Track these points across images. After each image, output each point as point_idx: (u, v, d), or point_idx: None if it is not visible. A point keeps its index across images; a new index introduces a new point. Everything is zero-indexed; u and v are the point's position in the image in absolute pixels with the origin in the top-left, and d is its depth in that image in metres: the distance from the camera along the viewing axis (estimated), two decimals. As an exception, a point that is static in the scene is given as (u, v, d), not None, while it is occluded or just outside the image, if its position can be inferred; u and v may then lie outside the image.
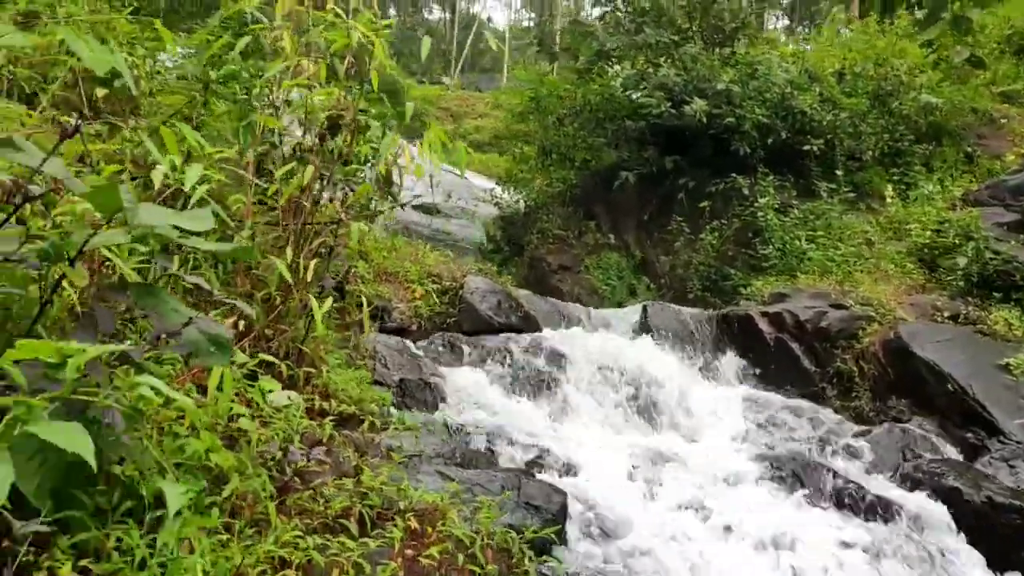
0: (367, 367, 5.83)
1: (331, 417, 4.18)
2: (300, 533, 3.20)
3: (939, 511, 5.56)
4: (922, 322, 8.41)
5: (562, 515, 4.27)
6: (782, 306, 9.07)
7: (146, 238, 3.12)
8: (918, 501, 5.70)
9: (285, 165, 5.02)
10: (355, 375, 4.99)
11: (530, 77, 15.80)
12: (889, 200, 11.55)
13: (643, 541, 4.44)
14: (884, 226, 11.11)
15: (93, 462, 1.55)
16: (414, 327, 7.47)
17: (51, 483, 2.02)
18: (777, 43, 17.55)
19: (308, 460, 3.47)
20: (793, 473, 5.87)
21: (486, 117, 30.12)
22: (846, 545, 4.98)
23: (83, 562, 2.49)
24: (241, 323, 4.26)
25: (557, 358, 7.32)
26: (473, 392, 6.45)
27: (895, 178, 12.21)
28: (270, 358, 3.97)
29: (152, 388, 2.22)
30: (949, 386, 7.38)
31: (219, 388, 3.28)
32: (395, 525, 3.48)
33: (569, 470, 5.24)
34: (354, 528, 3.38)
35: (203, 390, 3.47)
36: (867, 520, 5.43)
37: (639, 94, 13.25)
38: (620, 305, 12.13)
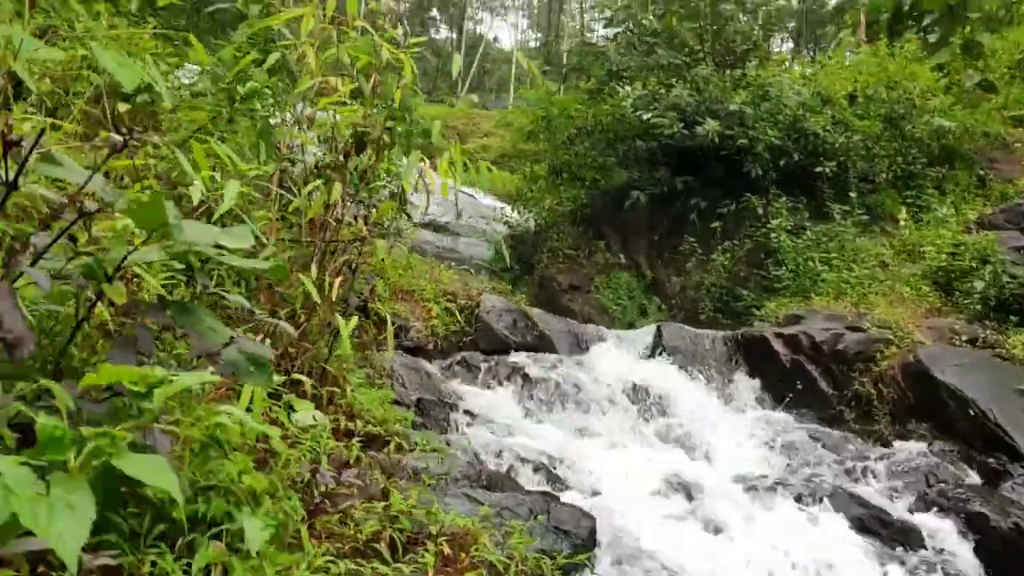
0: (385, 386, 5.77)
1: (357, 438, 4.12)
2: (332, 558, 3.13)
3: (965, 537, 5.49)
4: (940, 345, 8.34)
5: (591, 540, 4.20)
6: (798, 328, 9.00)
7: (181, 255, 3.07)
8: (944, 526, 5.62)
9: (308, 181, 4.99)
10: (378, 395, 4.93)
11: (539, 96, 15.80)
12: (903, 223, 11.51)
13: (673, 565, 4.36)
14: (898, 248, 11.06)
15: (181, 500, 1.49)
16: (430, 346, 7.41)
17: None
18: (786, 65, 17.58)
19: (339, 483, 3.40)
20: (818, 497, 5.79)
21: (492, 136, 30.15)
22: (875, 570, 4.91)
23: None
24: (266, 341, 4.20)
25: (575, 378, 7.25)
26: (492, 412, 6.38)
27: (908, 201, 12.18)
28: (302, 378, 3.91)
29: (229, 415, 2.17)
30: (971, 411, 7.30)
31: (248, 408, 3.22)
32: (426, 550, 3.41)
33: (593, 492, 5.17)
34: (386, 553, 3.30)
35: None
36: (893, 547, 5.36)
37: (650, 114, 13.24)
38: (631, 325, 12.08)
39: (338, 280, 4.67)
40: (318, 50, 5.08)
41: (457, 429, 5.92)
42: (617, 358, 8.19)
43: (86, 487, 1.30)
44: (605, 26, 15.93)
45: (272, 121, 5.53)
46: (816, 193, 12.31)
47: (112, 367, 1.54)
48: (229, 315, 4.18)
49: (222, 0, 7.85)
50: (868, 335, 8.53)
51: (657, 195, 13.35)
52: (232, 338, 2.57)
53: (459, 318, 7.77)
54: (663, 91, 13.54)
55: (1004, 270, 8.96)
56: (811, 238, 11.33)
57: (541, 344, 8.15)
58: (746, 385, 8.59)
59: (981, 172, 12.85)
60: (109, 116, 5.11)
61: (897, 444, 7.48)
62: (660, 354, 8.72)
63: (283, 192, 5.20)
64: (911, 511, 5.87)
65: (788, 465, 6.63)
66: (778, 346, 8.80)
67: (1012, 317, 8.64)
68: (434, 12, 48.62)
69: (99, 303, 2.92)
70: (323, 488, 3.56)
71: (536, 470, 5.34)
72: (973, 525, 5.66)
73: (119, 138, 2.04)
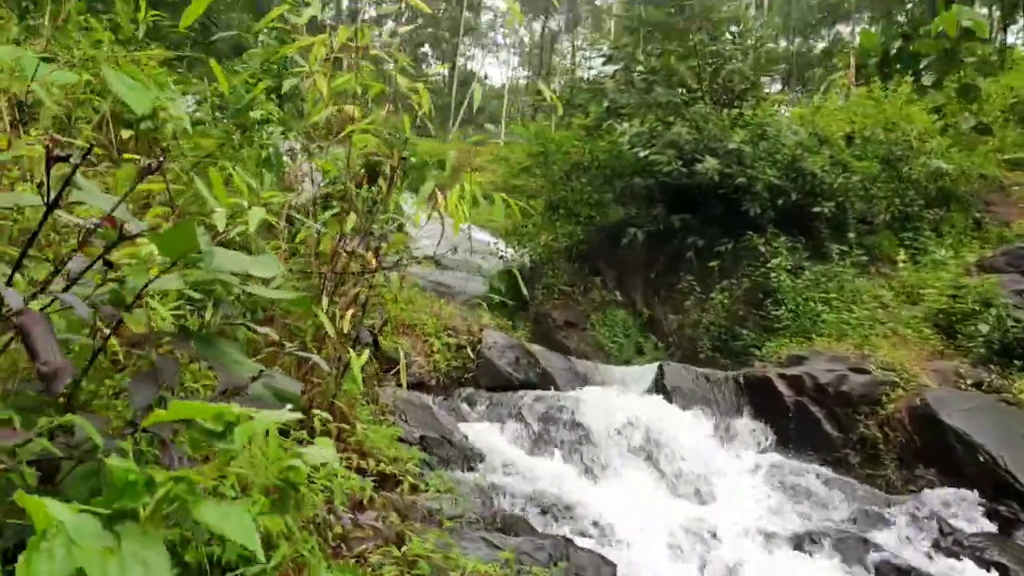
0: (389, 423, 5.61)
1: (370, 477, 3.95)
2: (351, 606, 2.96)
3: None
4: (946, 389, 8.26)
5: (612, 587, 4.04)
6: (801, 369, 8.90)
7: (203, 284, 2.93)
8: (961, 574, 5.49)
9: (313, 211, 4.87)
10: (387, 432, 4.76)
11: (534, 132, 15.75)
12: (901, 264, 11.48)
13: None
14: (897, 290, 11.02)
15: (262, 555, 1.34)
16: (432, 381, 7.25)
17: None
18: (778, 107, 17.68)
19: (358, 525, 3.23)
20: (831, 544, 5.65)
21: (484, 171, 30.13)
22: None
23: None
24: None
25: (578, 417, 7.10)
26: (497, 451, 6.22)
27: (906, 243, 12.16)
28: (316, 412, 3.75)
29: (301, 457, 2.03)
30: (979, 456, 7.20)
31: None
32: (448, 598, 3.25)
33: (607, 537, 5.01)
34: (406, 600, 3.14)
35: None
36: (912, 596, 5.22)
37: (647, 151, 13.24)
38: (627, 363, 11.94)
39: (349, 313, 4.53)
40: (330, 78, 4.99)
41: (463, 468, 5.75)
42: (619, 397, 8.05)
43: (160, 541, 1.15)
44: (604, 63, 15.95)
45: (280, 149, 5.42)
46: (814, 233, 12.28)
47: (182, 404, 1.40)
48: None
49: (228, 28, 7.77)
50: (873, 377, 8.44)
51: (654, 232, 13.29)
52: (262, 371, 2.44)
53: (459, 353, 7.61)
54: (661, 128, 13.54)
55: (1008, 314, 8.92)
56: (811, 278, 11.27)
57: (543, 381, 8.01)
58: (750, 426, 8.45)
59: (977, 215, 12.88)
60: (113, 142, 4.99)
61: (905, 489, 7.37)
62: (662, 393, 8.60)
63: (290, 222, 5.07)
64: (929, 558, 5.72)
65: (799, 511, 6.48)
66: (781, 387, 8.68)
67: (1016, 361, 8.58)
68: (426, 48, 48.90)
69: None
70: (339, 530, 3.40)
71: (544, 512, 5.18)
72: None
73: (153, 161, 1.91)
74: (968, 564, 5.60)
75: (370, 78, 5.13)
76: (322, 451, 3.78)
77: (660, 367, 9.13)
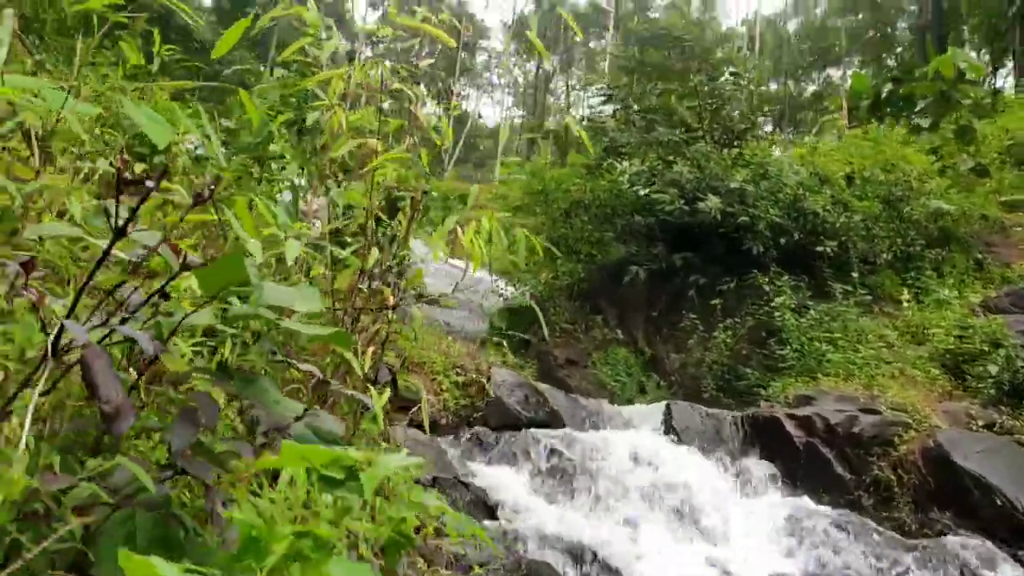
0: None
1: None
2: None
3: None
4: (957, 430, 8.16)
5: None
6: (810, 409, 8.79)
7: (238, 319, 2.84)
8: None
9: (332, 246, 4.78)
10: (406, 474, 4.62)
11: (530, 170, 15.76)
12: (905, 304, 11.45)
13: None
14: (902, 330, 10.97)
15: None
16: (442, 420, 7.12)
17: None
18: (773, 145, 17.77)
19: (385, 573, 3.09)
20: (855, 591, 5.51)
21: (478, 209, 30.17)
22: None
23: None
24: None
25: (592, 458, 6.97)
26: (511, 493, 6.08)
27: (909, 282, 12.15)
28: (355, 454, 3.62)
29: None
30: (996, 500, 7.09)
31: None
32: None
33: (630, 584, 4.87)
34: (441, 653, 2.99)
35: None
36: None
37: (647, 190, 13.26)
38: (629, 402, 11.82)
39: (370, 350, 4.42)
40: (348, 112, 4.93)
41: (481, 512, 5.61)
42: (630, 437, 7.93)
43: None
44: (603, 103, 16.03)
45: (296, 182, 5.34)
46: (815, 272, 12.27)
47: (296, 446, 1.29)
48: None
49: (229, 64, 7.74)
50: (884, 418, 8.34)
51: (655, 271, 13.26)
52: (306, 410, 2.33)
53: (467, 391, 7.49)
54: (662, 167, 13.57)
55: (1017, 354, 8.86)
56: (815, 317, 11.22)
57: (553, 420, 7.88)
58: (760, 467, 8.32)
59: (979, 255, 12.90)
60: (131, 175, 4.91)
61: (920, 533, 7.24)
62: (671, 432, 8.48)
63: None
64: (954, 606, 5.60)
65: (816, 554, 6.35)
66: (791, 428, 8.57)
67: (1026, 402, 8.51)
68: (422, 86, 49.23)
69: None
70: (366, 578, 3.25)
71: (567, 557, 5.04)
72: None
73: (203, 191, 1.83)
74: (994, 611, 5.47)
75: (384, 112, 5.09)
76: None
77: (668, 407, 9.02)
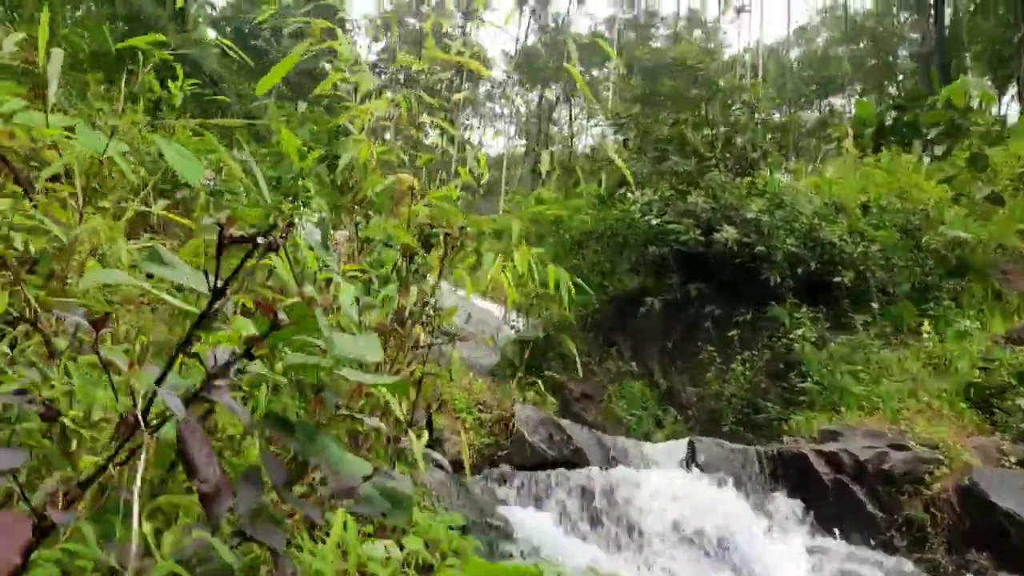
0: (433, 507, 5.30)
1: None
2: None
3: None
4: (991, 468, 7.96)
5: None
6: (837, 445, 8.60)
7: (297, 369, 2.71)
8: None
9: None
10: (445, 519, 4.45)
11: (550, 198, 15.67)
12: (926, 335, 11.27)
13: None
14: (924, 362, 10.78)
15: None
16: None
17: None
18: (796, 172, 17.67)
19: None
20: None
21: (490, 240, 30.04)
22: None
23: None
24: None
25: (621, 498, 6.78)
26: (541, 536, 5.88)
27: (929, 313, 11.98)
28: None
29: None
30: (1036, 540, 6.89)
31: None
32: None
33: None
34: None
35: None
36: None
37: (659, 219, 13.15)
38: (647, 436, 11.63)
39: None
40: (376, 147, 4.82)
41: (511, 555, 5.42)
42: (655, 475, 7.73)
43: None
44: (615, 132, 15.97)
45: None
46: (833, 303, 12.10)
47: (483, 564, 1.14)
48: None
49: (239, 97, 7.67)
50: (915, 454, 8.14)
51: (670, 301, 13.11)
52: (376, 470, 2.18)
53: (494, 430, 7.31)
54: (675, 197, 13.47)
55: (1048, 388, 8.70)
56: (836, 349, 11.05)
57: (577, 458, 7.69)
58: (787, 506, 8.11)
59: (997, 285, 12.74)
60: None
61: (960, 575, 7.04)
62: (696, 469, 8.29)
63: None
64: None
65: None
66: (819, 465, 8.37)
67: (1057, 437, 8.32)
68: (424, 117, 49.30)
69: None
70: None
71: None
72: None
73: (275, 237, 1.68)
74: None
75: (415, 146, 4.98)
76: (384, 543, 3.50)
77: (691, 443, 8.82)
